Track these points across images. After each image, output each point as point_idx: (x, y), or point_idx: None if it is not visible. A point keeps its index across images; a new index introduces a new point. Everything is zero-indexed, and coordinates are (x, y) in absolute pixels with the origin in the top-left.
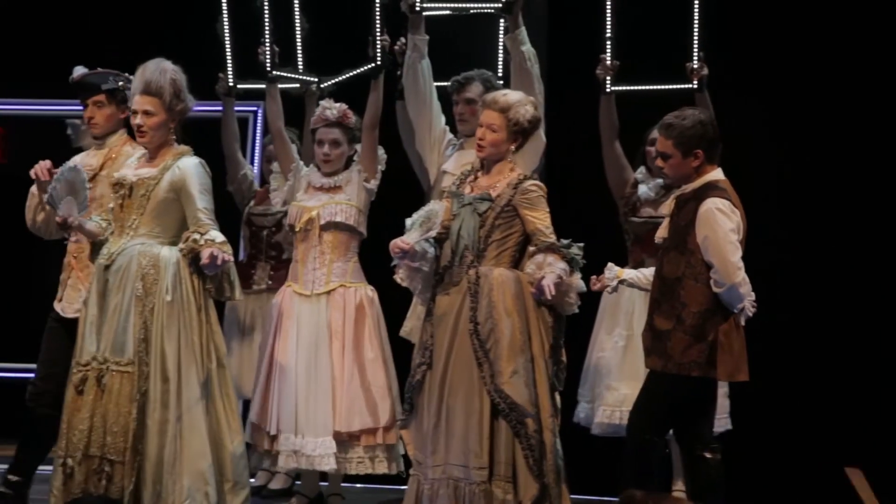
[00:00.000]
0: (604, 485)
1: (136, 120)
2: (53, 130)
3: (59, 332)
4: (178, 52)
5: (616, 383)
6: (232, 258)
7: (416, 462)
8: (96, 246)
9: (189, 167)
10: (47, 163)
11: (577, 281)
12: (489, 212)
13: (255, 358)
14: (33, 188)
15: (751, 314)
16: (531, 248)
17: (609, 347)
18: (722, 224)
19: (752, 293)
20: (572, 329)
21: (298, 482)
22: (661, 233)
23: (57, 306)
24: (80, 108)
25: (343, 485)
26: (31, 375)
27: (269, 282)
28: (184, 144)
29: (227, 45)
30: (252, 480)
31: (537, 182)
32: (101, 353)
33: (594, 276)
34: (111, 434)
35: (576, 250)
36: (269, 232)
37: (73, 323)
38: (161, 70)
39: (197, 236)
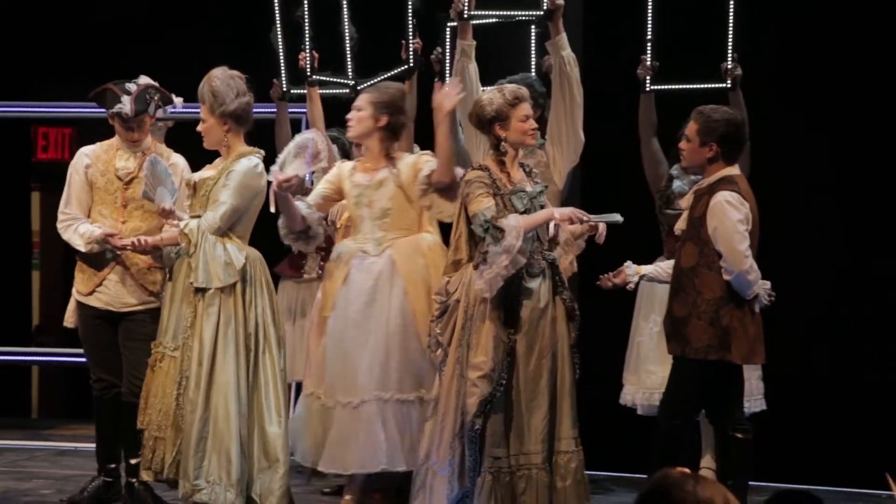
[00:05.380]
0: (647, 460)
1: (198, 127)
2: None
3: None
4: (237, 59)
5: (654, 367)
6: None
7: None
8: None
9: (239, 167)
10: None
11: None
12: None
13: (304, 344)
14: (94, 237)
15: (766, 302)
16: None
17: (646, 333)
18: (730, 215)
19: (767, 282)
20: (616, 317)
21: None
22: (681, 225)
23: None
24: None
25: None
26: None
27: (320, 272)
28: (253, 147)
29: (281, 53)
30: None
31: None
32: (165, 339)
33: (610, 273)
34: (156, 411)
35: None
36: None
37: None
38: (207, 79)
39: (182, 224)
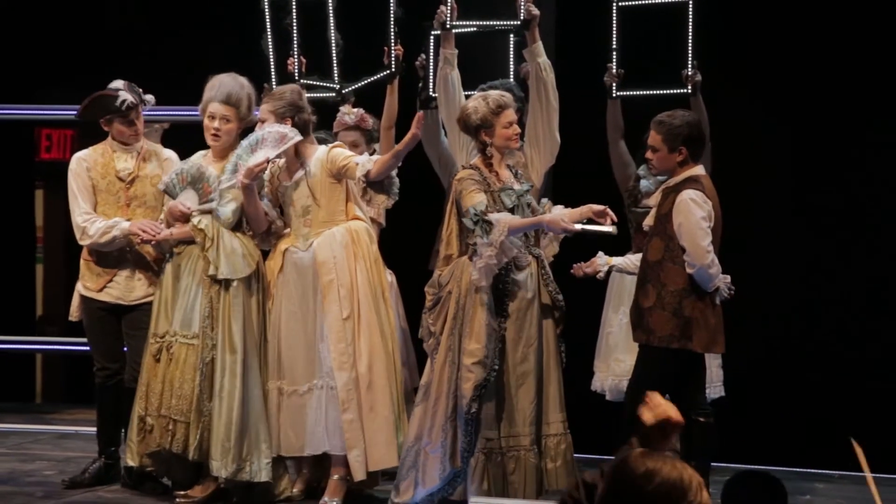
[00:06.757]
0: (616, 444)
1: (214, 124)
2: None
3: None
4: (230, 64)
5: (623, 356)
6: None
7: None
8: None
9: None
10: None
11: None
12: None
13: None
14: (118, 232)
15: (726, 295)
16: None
17: (616, 324)
18: (694, 212)
19: (727, 276)
20: (588, 309)
21: None
22: (649, 221)
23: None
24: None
25: None
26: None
27: None
28: None
29: (272, 59)
30: None
31: None
32: (171, 328)
33: (582, 262)
34: (176, 397)
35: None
36: None
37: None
38: (240, 84)
39: (196, 220)
